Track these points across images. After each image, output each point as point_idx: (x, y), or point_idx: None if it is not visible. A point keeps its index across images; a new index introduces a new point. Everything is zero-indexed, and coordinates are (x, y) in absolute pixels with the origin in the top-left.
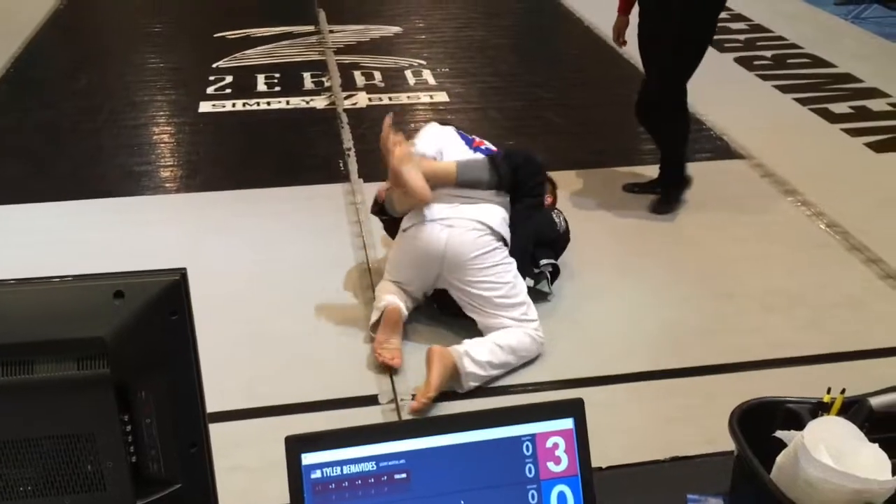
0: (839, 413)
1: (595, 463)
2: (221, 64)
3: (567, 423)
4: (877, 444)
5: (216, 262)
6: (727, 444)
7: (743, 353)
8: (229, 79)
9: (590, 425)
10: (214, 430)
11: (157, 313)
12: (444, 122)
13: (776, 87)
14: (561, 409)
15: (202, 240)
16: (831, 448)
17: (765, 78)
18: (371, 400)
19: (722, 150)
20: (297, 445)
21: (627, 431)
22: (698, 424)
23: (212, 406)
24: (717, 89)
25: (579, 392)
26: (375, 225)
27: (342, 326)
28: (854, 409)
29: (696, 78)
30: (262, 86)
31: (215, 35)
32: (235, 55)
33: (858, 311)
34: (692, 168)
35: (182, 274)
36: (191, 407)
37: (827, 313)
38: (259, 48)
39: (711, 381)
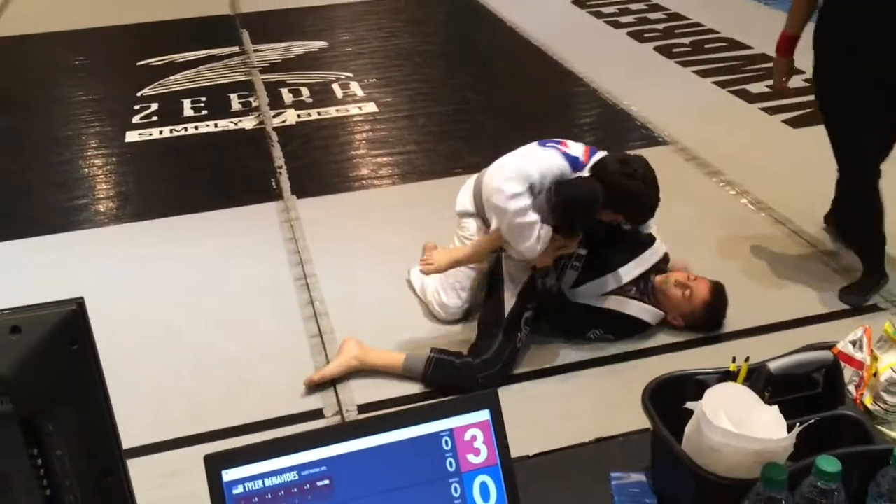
0: (745, 380)
1: (534, 450)
2: (146, 91)
3: (483, 415)
4: (775, 406)
5: (154, 291)
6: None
7: (676, 334)
8: (155, 106)
9: (532, 415)
10: (161, 458)
11: (56, 345)
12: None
13: (696, 72)
14: (476, 401)
15: (138, 270)
16: (731, 414)
17: (684, 64)
18: (317, 414)
19: (648, 137)
20: (216, 463)
21: (573, 417)
22: (634, 406)
23: (158, 436)
24: (640, 79)
25: (521, 385)
26: (311, 240)
27: (284, 344)
28: (755, 375)
29: (617, 70)
30: (188, 110)
31: (138, 63)
32: (160, 82)
33: (785, 283)
34: None
35: (79, 303)
36: (102, 435)
37: (756, 287)
38: (183, 73)
39: (649, 362)
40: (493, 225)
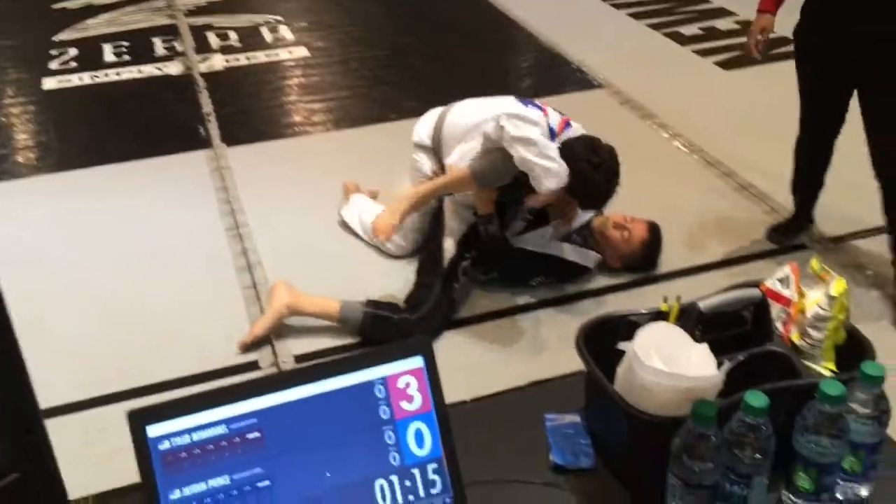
0: (677, 319)
1: (471, 396)
2: (63, 36)
3: (417, 362)
4: (704, 344)
5: (80, 245)
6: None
7: (610, 277)
8: (73, 51)
9: (468, 361)
10: (90, 415)
11: None
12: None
13: (630, 14)
14: (409, 348)
15: (62, 223)
16: (661, 353)
17: (619, 7)
18: (252, 366)
19: (582, 81)
20: (140, 418)
21: (509, 362)
22: (571, 350)
23: (89, 392)
24: (575, 22)
25: (458, 331)
26: (243, 189)
27: (217, 295)
28: (686, 314)
29: (553, 14)
30: (109, 56)
31: (54, 6)
32: (77, 25)
33: (718, 224)
34: (559, 101)
35: None
36: (19, 393)
37: (690, 228)
38: (102, 16)
39: (582, 306)
40: (451, 160)
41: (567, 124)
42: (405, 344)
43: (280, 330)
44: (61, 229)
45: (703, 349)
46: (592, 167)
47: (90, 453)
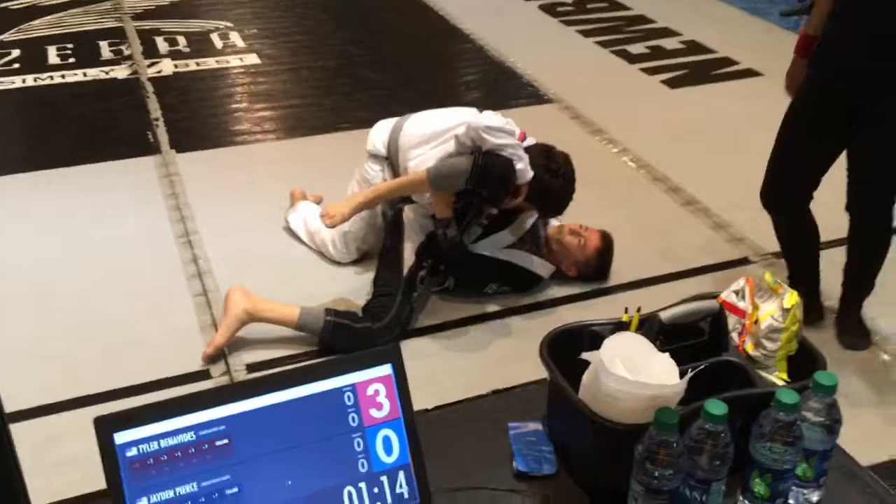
0: (637, 329)
1: (433, 404)
2: (6, 37)
3: (386, 370)
4: (667, 354)
5: (22, 252)
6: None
7: (566, 287)
8: (16, 52)
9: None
10: (40, 424)
11: None
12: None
13: (579, 31)
14: (378, 356)
15: (5, 227)
16: (627, 361)
17: (568, 24)
18: (203, 375)
19: (533, 95)
20: (107, 425)
21: (469, 371)
22: (528, 359)
23: (36, 400)
24: (526, 37)
25: (417, 340)
26: (193, 196)
27: (167, 303)
28: (647, 325)
29: (504, 28)
30: (54, 58)
31: None
32: (21, 27)
33: (664, 237)
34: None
35: None
36: None
37: (637, 242)
38: (47, 18)
39: (539, 316)
40: (411, 164)
41: (524, 137)
42: (374, 352)
43: (231, 339)
44: (3, 234)
45: (666, 358)
46: (550, 173)
47: (40, 464)
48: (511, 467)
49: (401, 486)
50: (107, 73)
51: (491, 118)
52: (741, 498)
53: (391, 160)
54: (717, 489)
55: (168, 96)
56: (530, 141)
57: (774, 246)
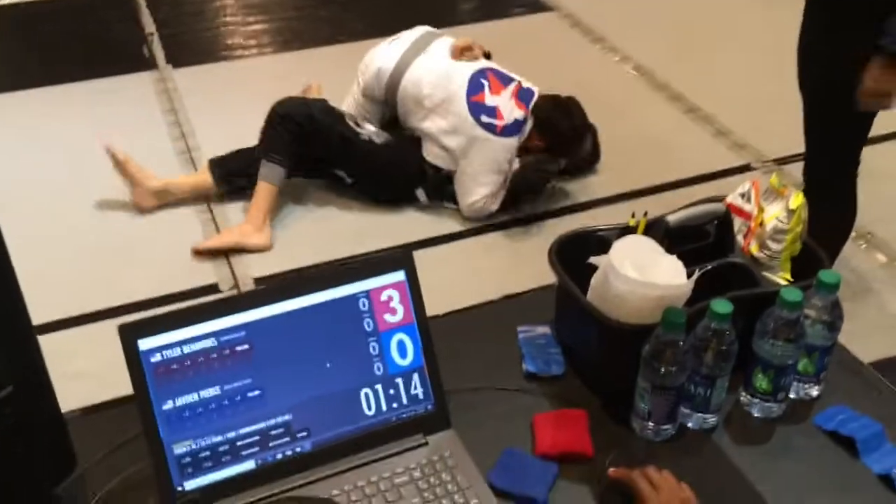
0: (644, 234)
1: (442, 311)
2: None
3: (399, 276)
4: (674, 256)
5: (23, 172)
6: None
7: (564, 198)
8: None
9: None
10: (50, 339)
11: None
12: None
13: None
14: (391, 262)
15: (2, 146)
16: (635, 263)
17: None
18: (212, 289)
19: (531, 3)
20: (132, 332)
21: (471, 281)
22: (533, 266)
23: (45, 316)
24: None
25: (426, 251)
26: (193, 112)
27: (170, 220)
28: (654, 228)
29: None
30: None
31: None
32: None
33: (666, 146)
34: (507, 25)
35: None
36: (13, 306)
37: (639, 151)
38: None
39: (541, 226)
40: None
41: (520, 91)
42: (388, 258)
43: (239, 252)
44: (1, 153)
45: (674, 260)
46: (574, 130)
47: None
48: (521, 369)
49: (416, 388)
50: None
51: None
52: (744, 393)
53: (388, 103)
54: (721, 385)
55: (161, 10)
56: (529, 86)
57: (776, 152)
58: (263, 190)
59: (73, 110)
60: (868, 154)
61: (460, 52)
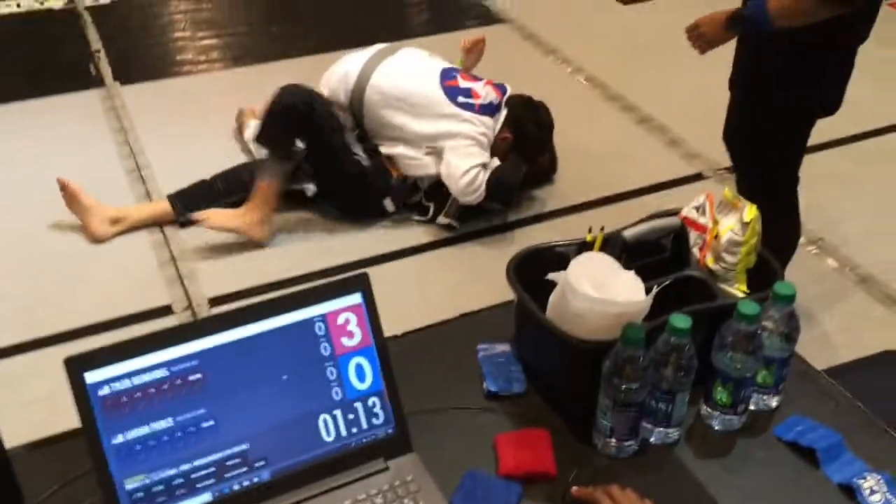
0: (601, 248)
1: (399, 330)
2: None
3: (356, 298)
4: (632, 271)
5: None
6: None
7: (521, 209)
8: None
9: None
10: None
11: None
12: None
13: None
14: (347, 285)
15: None
16: (592, 280)
17: None
18: (165, 310)
19: (484, 16)
20: (78, 365)
21: (425, 300)
22: (488, 282)
23: None
24: None
25: (377, 268)
26: (142, 129)
27: (121, 240)
28: (611, 243)
29: None
30: None
31: None
32: None
33: (620, 156)
34: (461, 37)
35: None
36: None
37: (594, 161)
38: None
39: (492, 240)
40: (386, 150)
41: (493, 83)
42: (343, 281)
43: (193, 272)
44: None
45: (631, 276)
46: (538, 128)
47: (7, 404)
48: (481, 388)
49: (375, 412)
50: (41, 3)
51: (462, 146)
52: (704, 406)
53: (353, 111)
54: (681, 399)
55: (107, 26)
56: (489, 91)
57: (727, 161)
58: (264, 185)
59: (16, 129)
60: (823, 159)
61: (472, 44)
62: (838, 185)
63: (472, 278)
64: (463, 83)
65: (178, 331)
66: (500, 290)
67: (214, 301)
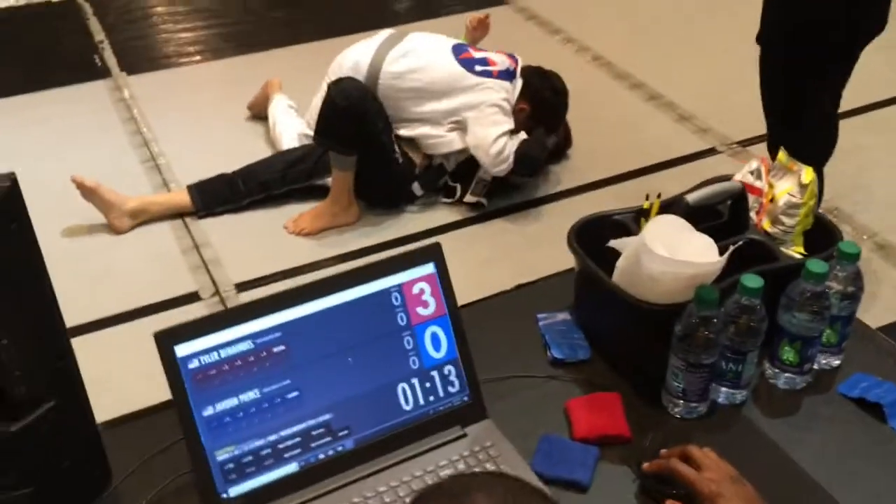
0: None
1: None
2: None
3: (429, 268)
4: (704, 234)
5: None
6: (541, 272)
7: (547, 187)
8: None
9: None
10: None
11: None
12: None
13: None
14: (421, 255)
15: None
16: (666, 243)
17: None
18: (193, 297)
19: None
20: (168, 339)
21: (484, 268)
22: (510, 261)
23: None
24: None
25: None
26: (153, 118)
27: (143, 230)
28: (673, 209)
29: None
30: None
31: None
32: None
33: (631, 133)
34: (465, 19)
35: (12, 179)
36: (48, 319)
37: (604, 140)
38: None
39: (518, 217)
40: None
41: (514, 57)
42: (417, 252)
43: (217, 259)
44: None
45: (704, 237)
46: (555, 94)
47: None
48: (545, 356)
49: (451, 380)
50: None
51: (489, 121)
52: (769, 366)
53: None
54: (751, 359)
55: (109, 17)
56: (503, 59)
57: (739, 135)
58: (340, 177)
59: (25, 122)
60: None
61: (479, 22)
62: (853, 154)
63: (500, 256)
64: (477, 54)
65: (262, 303)
66: (528, 266)
67: (241, 286)
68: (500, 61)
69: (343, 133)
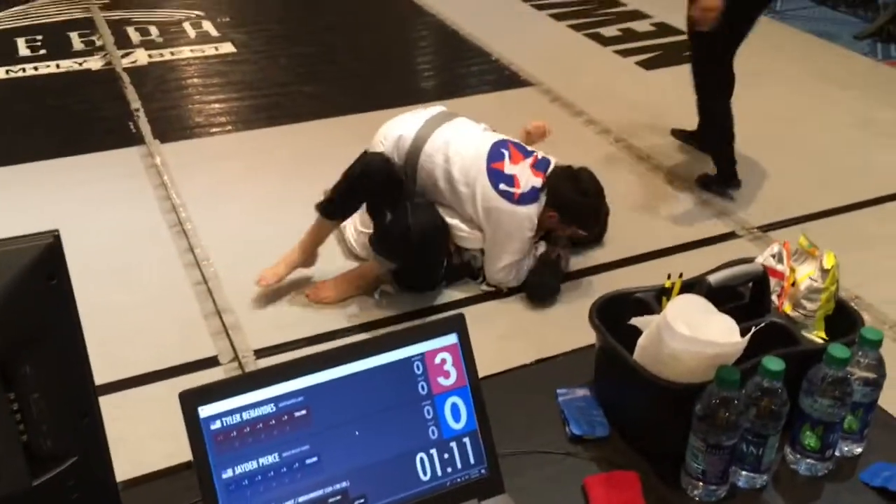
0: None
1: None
2: None
3: (452, 339)
4: (725, 315)
5: None
6: (558, 348)
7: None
8: None
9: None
10: None
11: (33, 280)
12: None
13: (551, 15)
14: (444, 325)
15: None
16: (688, 322)
17: (540, 8)
18: (212, 362)
19: (512, 79)
20: (192, 399)
21: (503, 342)
22: (528, 337)
23: None
24: (499, 22)
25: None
26: (183, 185)
27: (167, 293)
28: (696, 289)
29: (475, 12)
30: (24, 50)
31: None
32: None
33: (652, 215)
34: (492, 99)
35: (55, 235)
36: (79, 375)
37: (626, 220)
38: (12, 9)
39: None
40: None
41: (537, 161)
42: (440, 322)
43: (236, 324)
44: None
45: (726, 318)
46: (582, 195)
47: None
48: (563, 432)
49: (469, 452)
50: (80, 64)
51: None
52: (790, 450)
53: (407, 172)
54: (772, 443)
55: (146, 86)
56: (542, 156)
57: (759, 220)
58: (323, 227)
59: (63, 185)
60: (852, 220)
61: (535, 128)
62: (868, 245)
63: (515, 333)
64: (508, 167)
65: (286, 367)
66: (546, 343)
67: (260, 353)
68: (525, 182)
69: (348, 199)
